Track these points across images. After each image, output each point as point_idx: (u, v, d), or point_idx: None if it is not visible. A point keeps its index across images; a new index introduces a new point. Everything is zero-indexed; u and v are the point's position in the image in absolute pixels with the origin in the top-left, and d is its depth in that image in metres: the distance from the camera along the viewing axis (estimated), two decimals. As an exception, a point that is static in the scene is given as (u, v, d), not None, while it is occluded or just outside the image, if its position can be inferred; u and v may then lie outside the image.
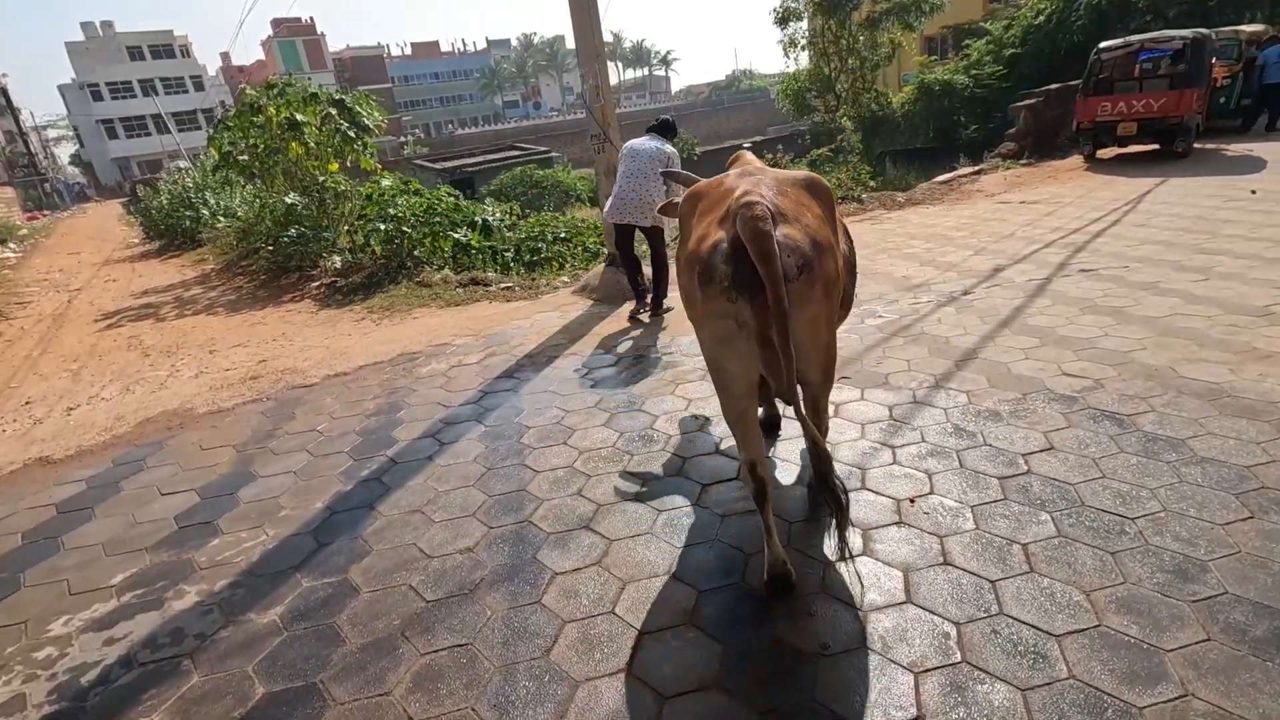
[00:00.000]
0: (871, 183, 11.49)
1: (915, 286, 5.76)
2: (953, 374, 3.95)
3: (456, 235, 9.89)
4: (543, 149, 30.27)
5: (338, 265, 9.01)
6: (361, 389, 4.83)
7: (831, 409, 3.55)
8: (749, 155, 3.11)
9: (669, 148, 5.26)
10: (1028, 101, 14.34)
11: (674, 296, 5.76)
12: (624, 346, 5.16)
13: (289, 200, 9.70)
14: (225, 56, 68.28)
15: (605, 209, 5.60)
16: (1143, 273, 5.39)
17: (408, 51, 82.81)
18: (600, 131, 6.22)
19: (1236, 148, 12.06)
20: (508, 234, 13.82)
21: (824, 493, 2.16)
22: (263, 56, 67.12)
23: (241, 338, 6.96)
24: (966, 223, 8.36)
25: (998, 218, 8.41)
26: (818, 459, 2.21)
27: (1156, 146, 12.12)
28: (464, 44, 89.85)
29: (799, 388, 2.12)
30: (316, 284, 9.17)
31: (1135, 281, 5.20)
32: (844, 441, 3.33)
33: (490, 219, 11.86)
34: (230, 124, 10.65)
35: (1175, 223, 6.87)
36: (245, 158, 10.97)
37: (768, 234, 1.95)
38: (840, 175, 10.81)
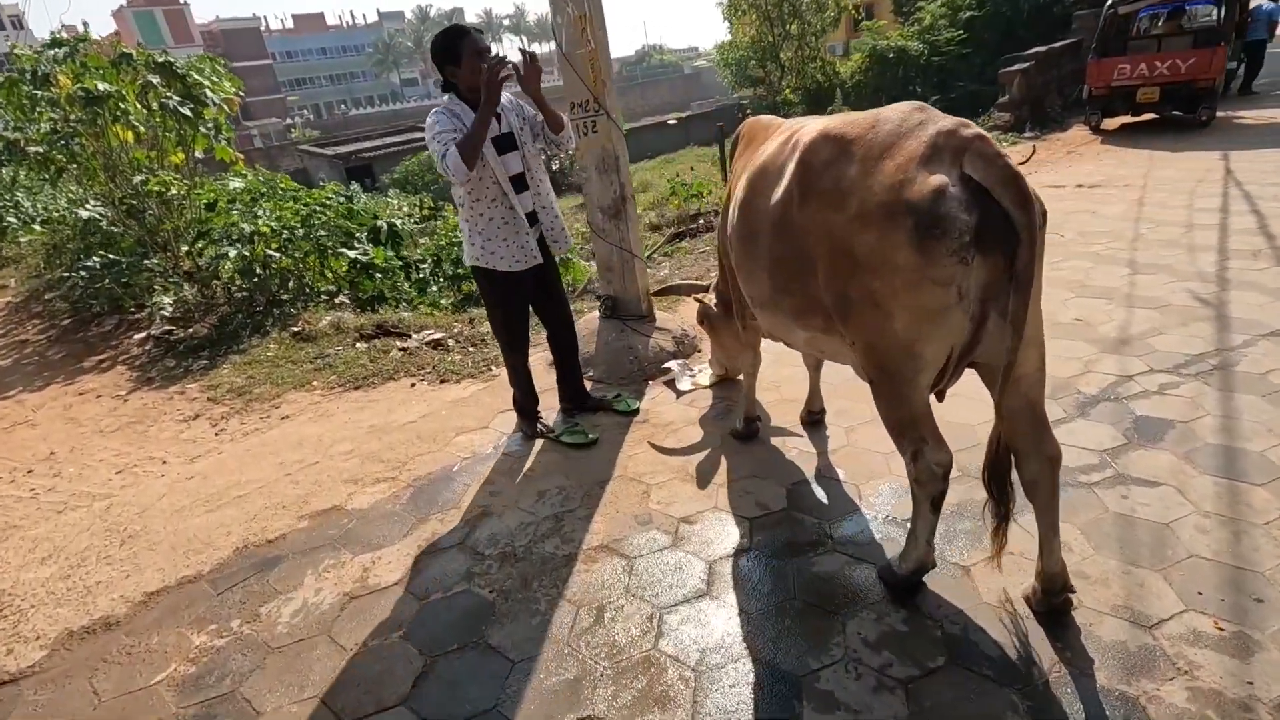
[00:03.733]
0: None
1: (1116, 344, 3.59)
2: None
3: (351, 253, 7.07)
4: (452, 130, 26.82)
5: (167, 310, 6.05)
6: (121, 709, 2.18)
7: None
8: (769, 119, 2.54)
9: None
10: (1019, 67, 12.64)
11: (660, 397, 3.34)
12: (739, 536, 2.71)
13: (86, 212, 6.54)
14: (69, 31, 59.46)
15: (551, 235, 3.20)
16: None
17: (289, 25, 75.36)
18: (589, 98, 3.69)
19: (1250, 114, 10.74)
20: (422, 241, 11.01)
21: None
22: (115, 29, 58.90)
23: (-27, 466, 4.03)
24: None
25: (1079, 208, 6.44)
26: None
27: (1178, 114, 10.62)
28: (352, 17, 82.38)
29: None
30: (141, 335, 6.17)
31: None
32: None
33: (397, 222, 9.02)
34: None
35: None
36: (39, 148, 7.63)
37: (1019, 174, 1.55)
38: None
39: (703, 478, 2.86)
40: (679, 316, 4.62)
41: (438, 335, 5.29)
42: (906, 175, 1.59)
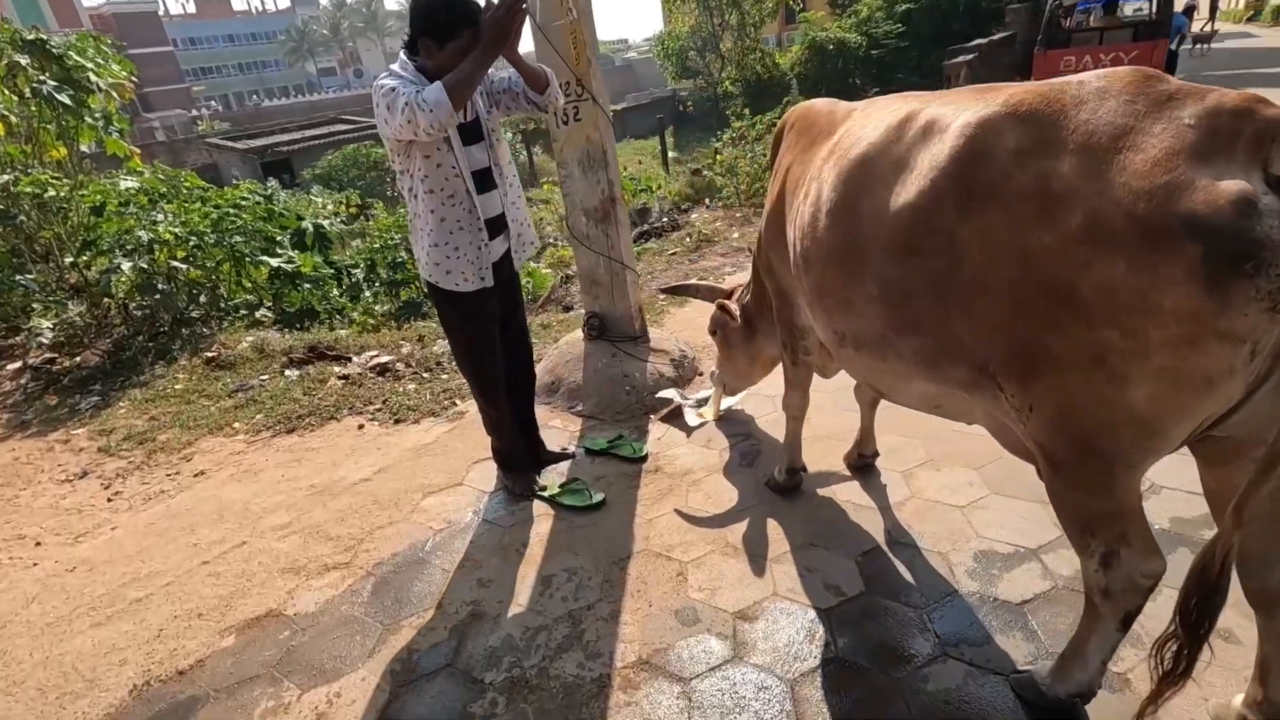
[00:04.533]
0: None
1: None
2: None
3: (274, 261, 6.17)
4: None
5: (47, 335, 5.06)
6: None
7: None
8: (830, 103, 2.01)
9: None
10: (964, 59, 12.61)
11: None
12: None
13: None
14: (-68, 11, 53.70)
15: (519, 242, 2.58)
16: None
17: (191, 9, 70.34)
18: (571, 79, 3.05)
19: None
20: (353, 243, 10.04)
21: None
22: (-12, 11, 53.48)
23: None
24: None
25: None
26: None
27: (1120, 107, 10.76)
28: (262, 2, 77.65)
29: None
30: (15, 366, 5.14)
31: None
32: None
33: (324, 224, 8.10)
34: None
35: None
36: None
37: None
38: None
39: (750, 551, 2.30)
40: (669, 332, 4.05)
41: (384, 358, 4.55)
42: (1177, 177, 1.07)
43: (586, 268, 3.52)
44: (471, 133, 2.29)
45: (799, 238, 1.79)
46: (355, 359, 4.62)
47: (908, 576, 2.12)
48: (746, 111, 8.46)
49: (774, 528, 2.40)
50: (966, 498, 2.43)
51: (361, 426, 3.53)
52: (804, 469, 2.58)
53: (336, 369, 4.42)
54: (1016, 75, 15.10)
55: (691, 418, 3.13)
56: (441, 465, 3.05)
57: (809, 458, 2.77)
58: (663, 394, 3.28)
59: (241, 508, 2.92)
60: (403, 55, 2.21)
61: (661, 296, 4.83)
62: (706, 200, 8.19)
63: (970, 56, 12.66)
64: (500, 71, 2.37)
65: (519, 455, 2.78)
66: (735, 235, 6.64)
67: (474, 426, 3.32)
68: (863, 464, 2.65)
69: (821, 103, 2.04)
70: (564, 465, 2.95)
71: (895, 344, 1.55)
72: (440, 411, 3.57)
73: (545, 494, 2.70)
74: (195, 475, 3.30)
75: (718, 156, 8.08)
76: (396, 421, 3.53)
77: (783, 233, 1.95)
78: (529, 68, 2.28)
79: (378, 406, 3.74)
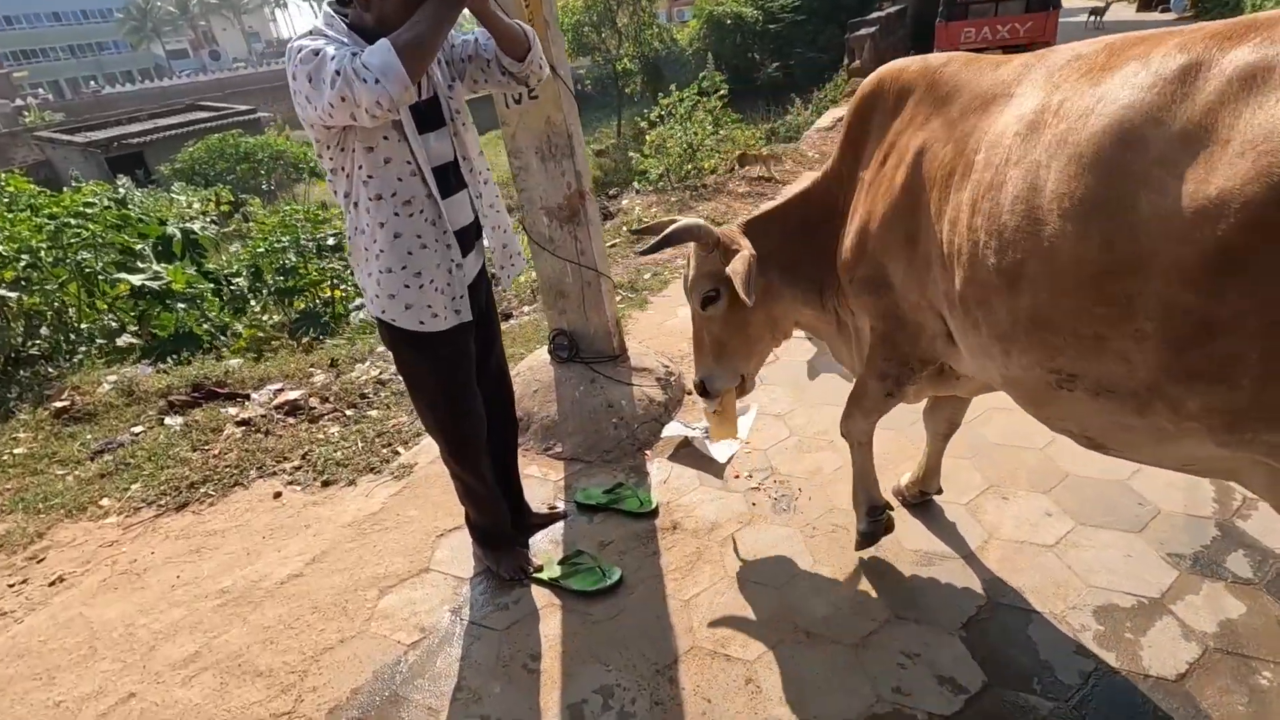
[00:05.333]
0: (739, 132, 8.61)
1: None
2: None
3: (135, 278, 5.12)
4: (245, 108, 22.91)
5: None
6: None
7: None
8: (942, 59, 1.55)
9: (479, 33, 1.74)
10: (866, 31, 12.65)
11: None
12: None
13: None
14: None
15: (501, 257, 2.03)
16: None
17: (3, -18, 61.48)
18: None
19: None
20: (230, 248, 8.79)
21: None
22: None
23: None
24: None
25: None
26: None
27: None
28: (91, -25, 68.94)
29: None
30: None
31: None
32: None
33: (194, 227, 6.94)
34: None
35: None
36: None
37: None
38: (699, 126, 7.66)
39: (828, 634, 1.83)
40: (635, 342, 3.51)
41: (292, 393, 3.75)
42: None
43: (551, 277, 2.91)
44: (430, 116, 1.66)
45: (976, 248, 1.26)
46: (255, 396, 3.80)
47: (1031, 653, 1.72)
48: (673, 89, 7.93)
49: (846, 597, 1.95)
50: (1053, 534, 2.07)
51: (279, 494, 2.79)
52: (888, 506, 2.09)
53: (232, 411, 3.60)
54: (912, 47, 15.45)
55: (719, 451, 2.62)
56: (397, 544, 2.39)
57: (831, 490, 2.35)
58: (667, 432, 2.75)
59: (123, 633, 2.16)
60: (328, 7, 1.55)
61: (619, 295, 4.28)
62: (635, 184, 7.64)
63: (873, 29, 12.71)
64: (460, 33, 1.73)
65: (504, 529, 2.18)
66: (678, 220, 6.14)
67: (430, 483, 2.67)
68: (921, 500, 2.24)
69: (934, 58, 1.55)
70: (556, 528, 2.38)
71: (1174, 396, 1.07)
72: (380, 465, 2.88)
73: (544, 576, 2.13)
74: (50, 584, 2.47)
75: (649, 137, 7.53)
76: (325, 484, 2.81)
77: (912, 239, 1.45)
78: (503, 24, 1.65)
79: (296, 463, 3.00)
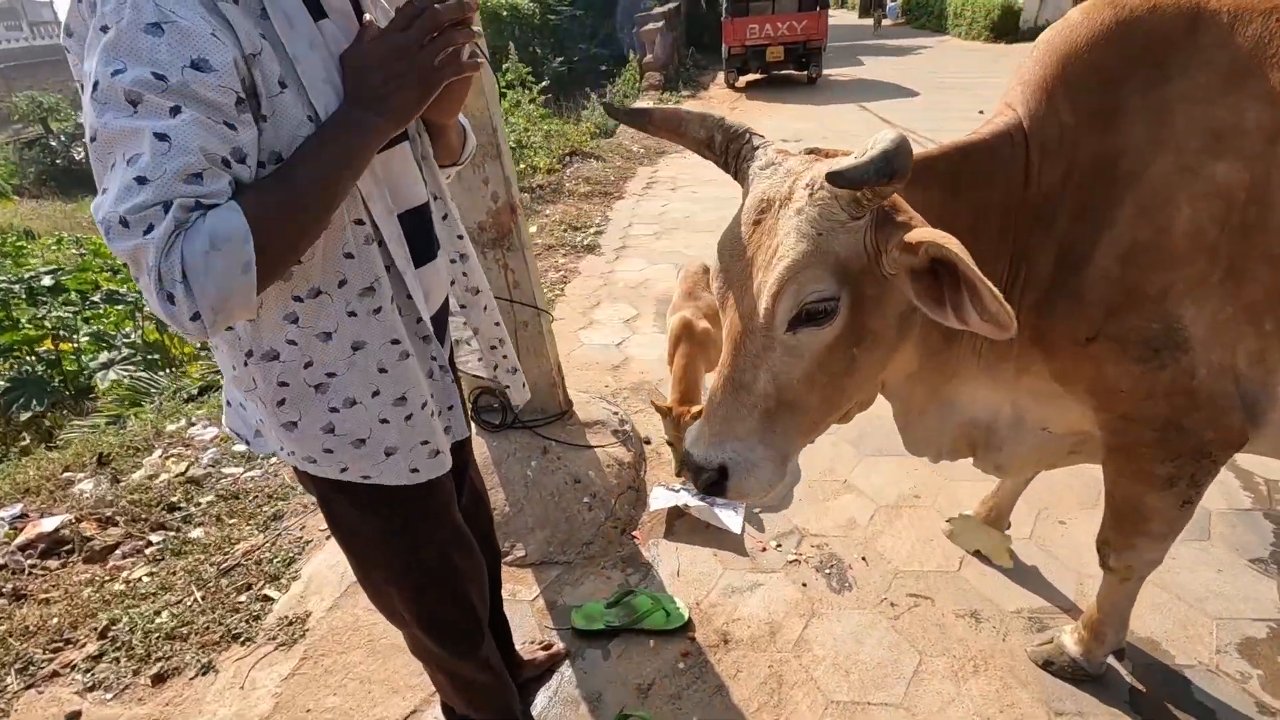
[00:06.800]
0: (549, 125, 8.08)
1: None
2: None
3: None
4: None
5: None
6: None
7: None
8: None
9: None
10: (655, 25, 12.72)
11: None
12: None
13: None
14: None
15: (495, 357, 1.35)
16: None
17: None
18: None
19: (840, 73, 12.58)
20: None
21: None
22: None
23: None
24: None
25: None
26: None
27: (794, 72, 11.86)
28: None
29: None
30: None
31: None
32: None
33: None
34: None
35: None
36: None
37: None
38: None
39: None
40: (588, 393, 2.84)
41: (47, 520, 2.53)
42: None
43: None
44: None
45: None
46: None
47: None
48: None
49: (987, 697, 1.54)
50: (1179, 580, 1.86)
51: (76, 716, 1.73)
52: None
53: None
54: (692, 42, 15.97)
55: (729, 519, 2.07)
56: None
57: (880, 548, 1.98)
58: (655, 503, 2.15)
59: None
60: None
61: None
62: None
63: (660, 24, 12.81)
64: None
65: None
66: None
67: (344, 640, 1.81)
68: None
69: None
70: (561, 677, 1.69)
71: None
72: (248, 627, 1.92)
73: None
74: None
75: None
76: (157, 678, 1.79)
77: (1239, 271, 1.02)
78: (449, 139, 1.09)
79: (93, 648, 1.91)
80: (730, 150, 1.04)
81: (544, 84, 7.34)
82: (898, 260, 0.91)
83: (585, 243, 4.74)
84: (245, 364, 0.93)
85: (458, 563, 1.18)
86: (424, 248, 1.05)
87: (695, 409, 2.08)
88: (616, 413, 2.54)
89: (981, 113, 7.45)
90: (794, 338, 0.98)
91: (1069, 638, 1.57)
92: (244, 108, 0.75)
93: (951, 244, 0.84)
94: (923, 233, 0.88)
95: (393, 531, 1.10)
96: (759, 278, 0.95)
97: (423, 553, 1.13)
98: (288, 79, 0.80)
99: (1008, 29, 15.35)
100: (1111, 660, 1.58)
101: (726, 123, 1.05)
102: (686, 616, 1.80)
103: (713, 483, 1.03)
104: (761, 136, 1.04)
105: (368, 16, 0.91)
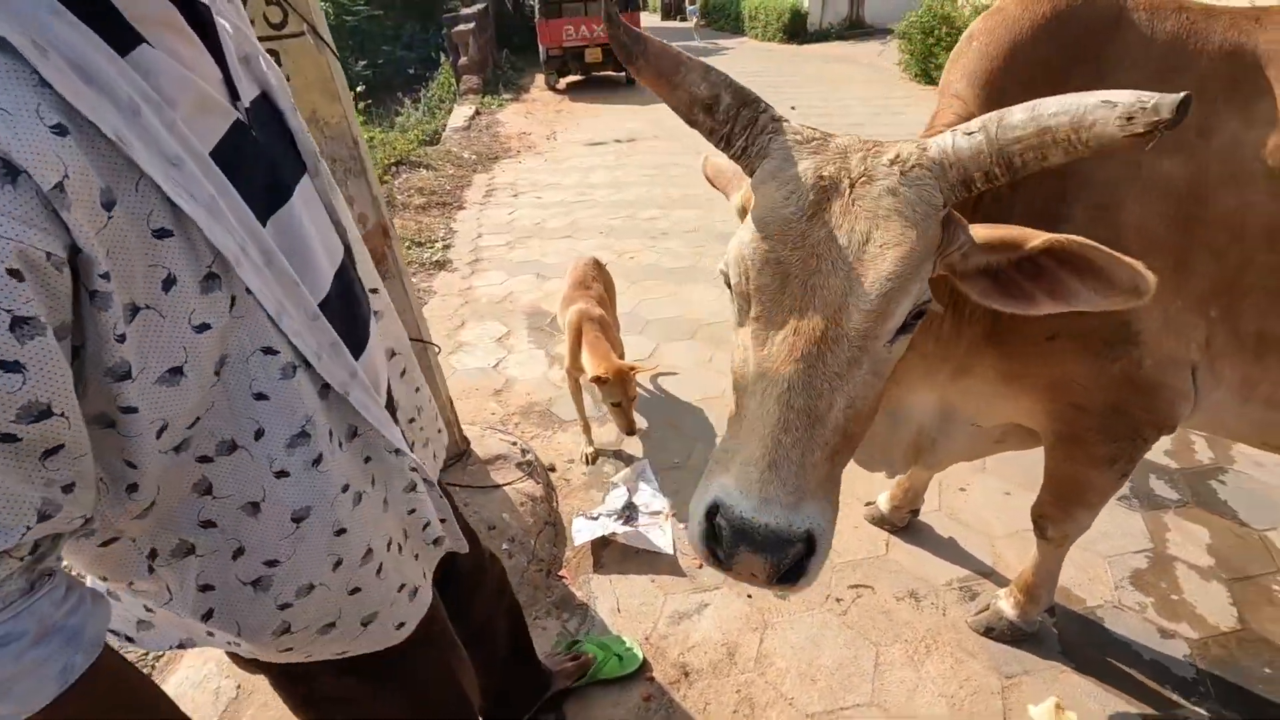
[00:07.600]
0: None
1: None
2: None
3: None
4: None
5: None
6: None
7: None
8: None
9: None
10: (467, 27, 12.24)
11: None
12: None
13: None
14: None
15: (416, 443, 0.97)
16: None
17: None
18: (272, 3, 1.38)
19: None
20: None
21: None
22: None
23: None
24: (637, 177, 6.15)
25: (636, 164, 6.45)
26: None
27: (614, 73, 12.02)
28: None
29: None
30: None
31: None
32: None
33: None
34: None
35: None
36: None
37: None
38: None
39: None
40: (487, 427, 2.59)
41: None
42: None
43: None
44: (264, 156, 0.69)
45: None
46: None
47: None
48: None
49: (946, 676, 1.58)
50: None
51: None
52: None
53: None
54: (503, 44, 15.62)
55: (658, 538, 1.96)
56: None
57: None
58: (578, 536, 1.99)
59: None
60: None
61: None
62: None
63: (472, 25, 12.36)
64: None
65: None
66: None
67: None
68: (908, 521, 2.01)
69: None
70: (517, 756, 1.50)
71: None
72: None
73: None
74: None
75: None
76: None
77: (1184, 265, 1.05)
78: None
79: None
80: (741, 117, 0.83)
81: (359, 89, 6.73)
82: (969, 257, 0.82)
83: (435, 259, 4.40)
84: (150, 570, 0.64)
85: (465, 683, 0.98)
86: (355, 321, 0.78)
87: (630, 365, 2.11)
88: (515, 443, 2.34)
89: (794, 109, 7.99)
90: (889, 349, 0.80)
91: (1005, 603, 1.66)
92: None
93: (1083, 240, 0.76)
94: (1051, 237, 0.78)
95: (395, 698, 0.87)
96: (855, 271, 0.76)
97: (432, 692, 0.92)
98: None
99: (797, 31, 16.65)
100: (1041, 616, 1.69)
101: (738, 84, 0.84)
102: (640, 657, 1.68)
103: (799, 559, 0.77)
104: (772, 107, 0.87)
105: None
